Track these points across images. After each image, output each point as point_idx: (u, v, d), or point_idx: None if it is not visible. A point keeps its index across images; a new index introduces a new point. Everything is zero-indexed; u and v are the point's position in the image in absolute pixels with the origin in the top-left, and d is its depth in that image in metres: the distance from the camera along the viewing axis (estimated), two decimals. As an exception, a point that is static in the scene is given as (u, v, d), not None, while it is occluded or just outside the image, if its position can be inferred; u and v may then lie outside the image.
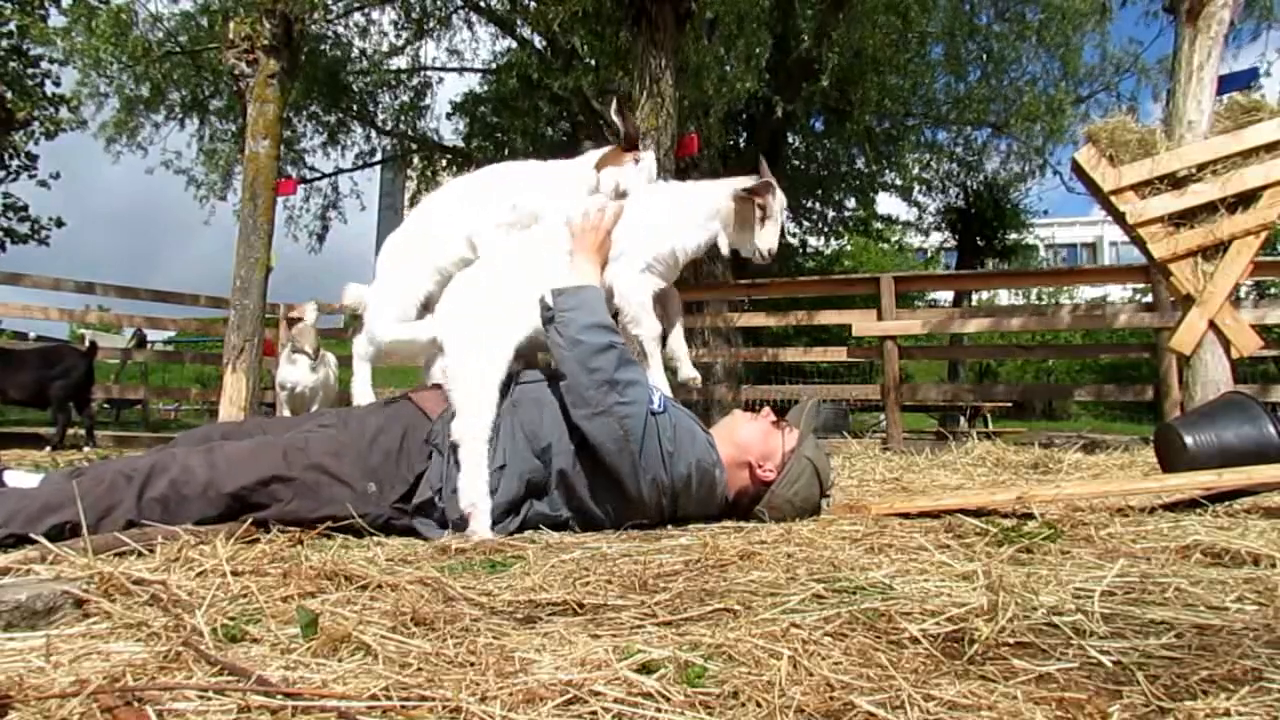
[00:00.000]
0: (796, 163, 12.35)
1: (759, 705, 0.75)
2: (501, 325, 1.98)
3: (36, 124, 12.37)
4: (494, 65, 11.62)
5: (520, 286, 2.02)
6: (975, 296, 17.29)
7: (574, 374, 1.76)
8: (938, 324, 7.01)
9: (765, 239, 2.25)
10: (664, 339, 2.26)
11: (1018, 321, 7.14)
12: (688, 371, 2.31)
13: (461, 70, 11.90)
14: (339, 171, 11.97)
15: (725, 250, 2.31)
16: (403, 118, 11.64)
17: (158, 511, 1.58)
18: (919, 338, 6.81)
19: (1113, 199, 3.33)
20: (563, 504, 1.85)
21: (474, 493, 1.76)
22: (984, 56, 9.61)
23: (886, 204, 15.70)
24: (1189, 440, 2.41)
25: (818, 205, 13.87)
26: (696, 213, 2.28)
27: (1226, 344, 3.23)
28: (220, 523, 1.62)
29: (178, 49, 9.11)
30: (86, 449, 5.27)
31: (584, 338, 1.77)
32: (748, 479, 1.96)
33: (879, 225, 15.60)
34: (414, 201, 12.50)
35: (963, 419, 9.43)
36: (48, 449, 5.08)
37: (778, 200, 2.27)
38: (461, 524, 1.76)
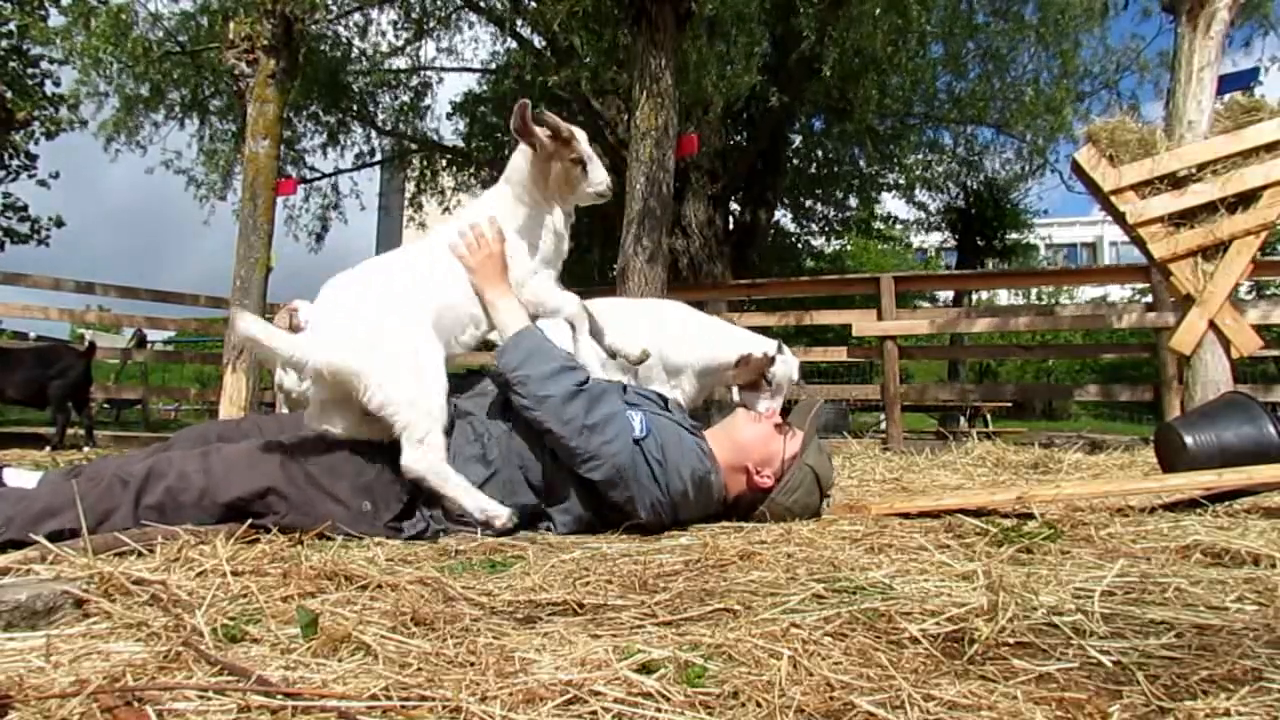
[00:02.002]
0: (797, 162, 12.33)
1: (759, 705, 0.75)
2: (427, 336, 1.79)
3: (36, 124, 12.37)
4: (493, 65, 11.62)
5: (435, 287, 1.85)
6: (975, 296, 17.29)
7: (554, 429, 1.73)
8: (944, 324, 7.02)
9: (594, 178, 2.01)
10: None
11: (1024, 320, 7.18)
12: (633, 352, 2.10)
13: (461, 70, 11.90)
14: (338, 172, 11.95)
15: (561, 223, 2.06)
16: (402, 118, 11.62)
17: (154, 519, 1.58)
18: (919, 337, 6.81)
19: (1113, 199, 3.33)
20: (561, 527, 1.85)
21: (472, 503, 1.73)
22: (984, 55, 9.60)
23: (887, 204, 15.67)
24: (1189, 440, 2.41)
25: (818, 205, 13.86)
26: (505, 201, 2.03)
27: (1226, 344, 3.23)
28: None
29: (178, 49, 9.10)
30: (86, 449, 5.27)
31: (547, 391, 1.73)
32: (745, 485, 1.95)
33: (880, 225, 15.59)
34: (413, 202, 12.49)
35: (963, 419, 9.43)
36: (48, 449, 5.08)
37: (577, 139, 1.99)
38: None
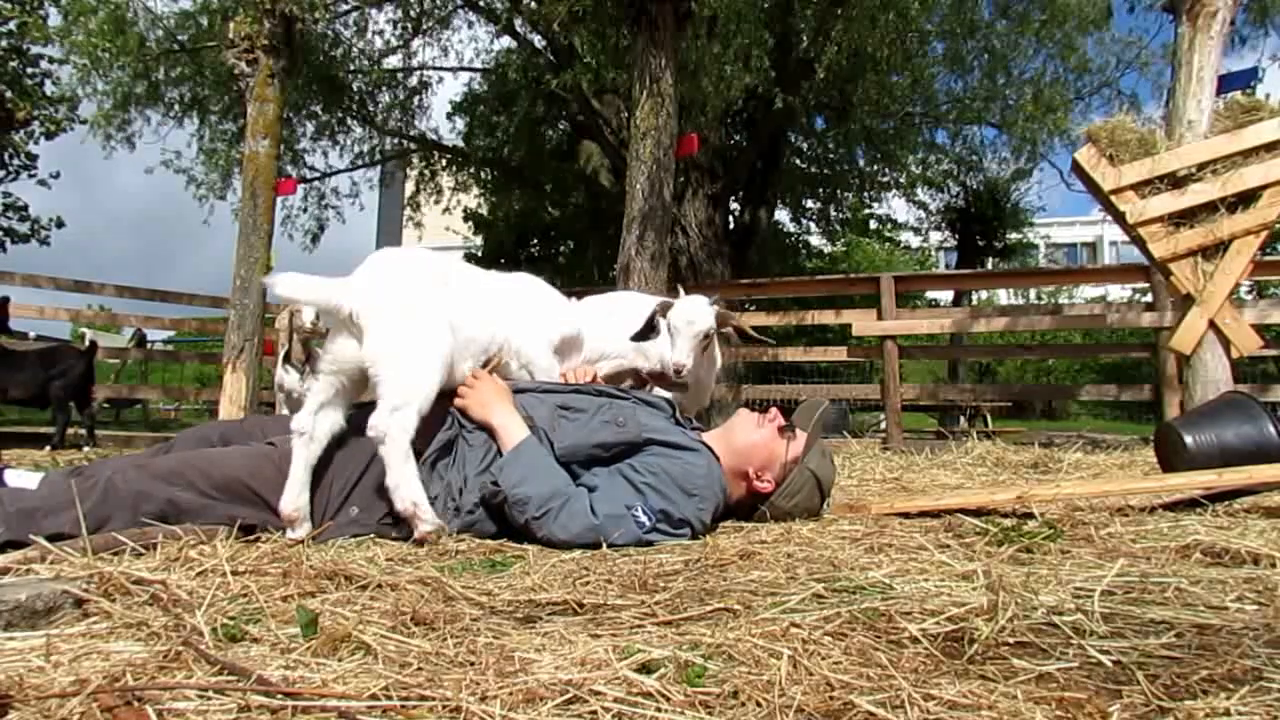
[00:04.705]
0: (797, 162, 12.34)
1: (759, 705, 0.75)
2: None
3: (36, 124, 12.37)
4: (493, 65, 11.62)
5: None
6: (976, 296, 17.26)
7: (569, 539, 1.64)
8: (955, 324, 7.02)
9: None
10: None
11: (1041, 321, 7.23)
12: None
13: (460, 70, 11.90)
14: (336, 171, 11.95)
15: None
16: (402, 117, 11.63)
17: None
18: (919, 337, 6.82)
19: (1113, 198, 3.33)
20: None
21: (407, 492, 1.67)
22: (984, 54, 9.60)
23: (888, 202, 15.62)
24: (1189, 440, 2.41)
25: (819, 205, 13.86)
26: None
27: (1226, 344, 3.23)
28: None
29: (177, 48, 9.10)
30: (87, 449, 5.27)
31: (548, 506, 1.65)
32: (744, 490, 1.94)
33: (878, 225, 15.59)
34: (412, 201, 12.48)
35: (962, 418, 9.43)
36: (48, 449, 5.08)
37: None
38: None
